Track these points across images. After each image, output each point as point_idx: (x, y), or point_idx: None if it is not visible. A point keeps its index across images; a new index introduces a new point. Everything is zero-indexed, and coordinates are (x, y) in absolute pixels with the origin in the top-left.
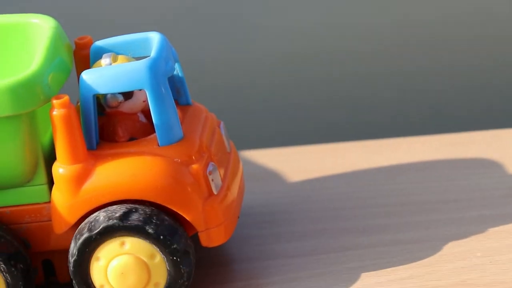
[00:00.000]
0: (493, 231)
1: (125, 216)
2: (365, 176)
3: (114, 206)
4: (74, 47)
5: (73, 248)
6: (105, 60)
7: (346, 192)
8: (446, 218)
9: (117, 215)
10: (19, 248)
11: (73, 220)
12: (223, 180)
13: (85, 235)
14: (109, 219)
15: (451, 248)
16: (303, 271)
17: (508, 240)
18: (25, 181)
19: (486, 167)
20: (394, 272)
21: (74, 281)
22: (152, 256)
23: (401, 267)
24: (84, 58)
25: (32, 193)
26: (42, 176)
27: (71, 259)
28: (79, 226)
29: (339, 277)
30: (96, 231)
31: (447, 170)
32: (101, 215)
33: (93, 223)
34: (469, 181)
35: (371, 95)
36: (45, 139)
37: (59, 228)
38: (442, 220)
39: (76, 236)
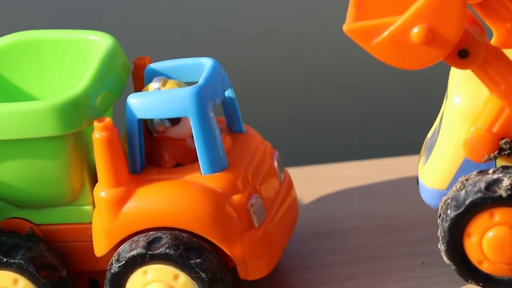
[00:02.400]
0: None
1: (150, 244)
2: None
3: (139, 236)
4: (132, 67)
5: (105, 283)
6: (154, 84)
7: None
8: None
9: (142, 243)
10: (52, 262)
11: (112, 243)
12: (267, 212)
13: (113, 268)
14: (134, 249)
15: None
16: None
17: None
18: (71, 201)
19: None
20: None
21: None
22: (176, 278)
23: None
24: (141, 78)
25: (76, 213)
26: (87, 197)
27: None
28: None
29: None
30: (123, 262)
31: None
32: (127, 245)
33: (117, 255)
34: None
35: None
36: (93, 159)
37: (100, 250)
38: None
39: (108, 267)
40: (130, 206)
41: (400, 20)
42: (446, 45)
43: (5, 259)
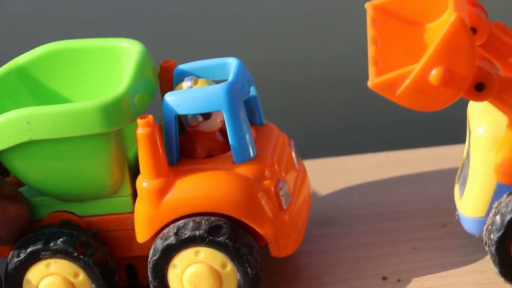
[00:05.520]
0: None
1: (212, 230)
2: None
3: (201, 217)
4: (159, 69)
5: (155, 249)
6: (186, 83)
7: None
8: None
9: (205, 227)
10: (113, 266)
11: (154, 230)
12: (292, 195)
13: (171, 240)
14: (196, 229)
15: None
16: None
17: None
18: (112, 193)
19: None
20: None
21: (153, 283)
22: (224, 265)
23: None
24: (168, 80)
25: (118, 204)
26: (127, 188)
27: (152, 258)
28: (164, 230)
29: None
30: (182, 238)
31: None
32: (190, 223)
33: (180, 230)
34: None
35: None
36: (131, 155)
37: (142, 237)
38: None
39: (161, 237)
40: (171, 195)
41: (418, 67)
42: (462, 82)
43: (76, 253)
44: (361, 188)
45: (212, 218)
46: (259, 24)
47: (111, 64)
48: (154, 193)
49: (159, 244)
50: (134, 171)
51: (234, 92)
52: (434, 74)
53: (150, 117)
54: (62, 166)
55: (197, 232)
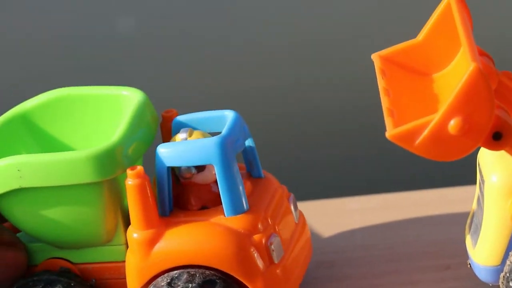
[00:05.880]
0: None
1: (205, 284)
2: None
3: (196, 270)
4: (161, 119)
5: None
6: (182, 135)
7: None
8: None
9: (198, 281)
10: None
11: (144, 280)
12: (285, 250)
13: None
14: (190, 282)
15: None
16: None
17: None
18: (106, 241)
19: None
20: None
21: None
22: None
23: None
24: (169, 130)
25: (111, 252)
26: (121, 237)
27: None
28: (158, 279)
29: None
30: None
31: None
32: (184, 275)
33: (174, 281)
34: None
35: None
36: (125, 203)
37: (132, 287)
38: None
39: (155, 285)
40: (160, 246)
41: (436, 117)
42: (481, 131)
43: None
44: (364, 230)
45: (207, 272)
46: (264, 72)
47: (112, 112)
48: (144, 244)
49: None
50: (129, 220)
51: (226, 145)
52: (453, 124)
53: (140, 168)
54: (54, 213)
55: (190, 285)
